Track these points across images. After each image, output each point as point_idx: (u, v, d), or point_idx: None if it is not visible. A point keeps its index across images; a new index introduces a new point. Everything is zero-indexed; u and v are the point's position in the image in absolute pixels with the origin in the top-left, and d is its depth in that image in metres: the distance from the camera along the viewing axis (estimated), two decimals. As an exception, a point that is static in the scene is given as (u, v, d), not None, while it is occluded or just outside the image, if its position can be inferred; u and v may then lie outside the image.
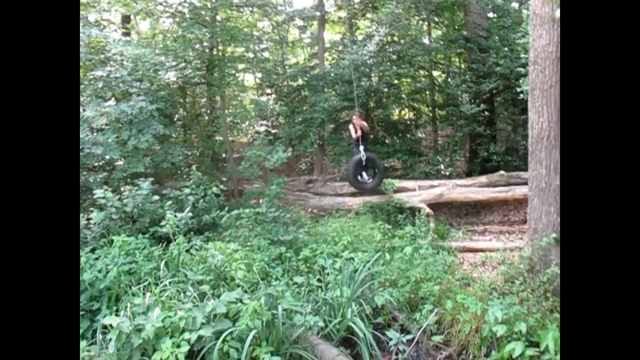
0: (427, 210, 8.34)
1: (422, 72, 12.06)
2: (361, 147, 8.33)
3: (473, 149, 10.96)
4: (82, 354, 3.29)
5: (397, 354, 4.82)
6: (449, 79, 12.42)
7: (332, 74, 11.46)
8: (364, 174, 8.64)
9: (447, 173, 10.29)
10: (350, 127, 8.59)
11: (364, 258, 6.01)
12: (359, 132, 8.39)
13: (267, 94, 15.22)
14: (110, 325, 3.72)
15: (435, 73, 12.65)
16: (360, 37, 11.99)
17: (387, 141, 11.73)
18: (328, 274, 5.69)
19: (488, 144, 10.26)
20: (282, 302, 4.44)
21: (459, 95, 11.31)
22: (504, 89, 10.76)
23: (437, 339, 4.98)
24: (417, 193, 8.91)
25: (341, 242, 6.56)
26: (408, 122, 12.86)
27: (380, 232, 7.25)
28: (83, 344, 3.50)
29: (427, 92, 12.19)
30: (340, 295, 5.00)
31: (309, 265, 6.07)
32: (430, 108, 12.27)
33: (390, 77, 11.40)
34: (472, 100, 10.60)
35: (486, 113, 10.44)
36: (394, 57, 11.25)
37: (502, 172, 8.95)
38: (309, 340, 4.47)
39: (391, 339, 4.87)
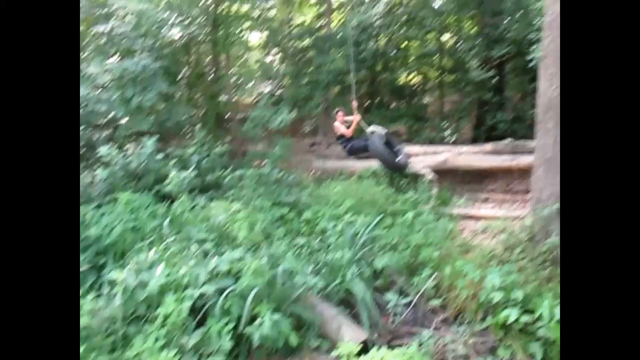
0: (431, 176, 8.33)
1: (431, 35, 11.77)
2: (371, 128, 6.93)
3: (480, 116, 10.84)
4: (89, 307, 3.38)
5: (394, 315, 4.94)
6: (459, 44, 12.13)
7: (340, 35, 11.20)
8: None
9: (453, 139, 10.22)
10: (337, 125, 6.94)
11: (365, 221, 6.05)
12: (354, 123, 6.86)
13: (273, 55, 14.94)
14: (116, 280, 3.81)
15: (444, 37, 12.34)
16: (369, -2, 11.65)
17: (392, 106, 11.62)
18: (329, 236, 5.75)
19: (495, 111, 10.14)
20: (283, 262, 4.51)
21: (468, 61, 11.08)
22: (515, 55, 10.52)
23: (435, 303, 5.08)
24: (421, 159, 8.87)
25: (343, 205, 6.59)
26: (414, 87, 12.66)
27: (382, 197, 7.27)
28: (90, 296, 3.59)
29: (436, 57, 11.94)
30: (340, 258, 5.07)
31: (310, 227, 6.13)
32: (438, 73, 12.05)
33: (398, 39, 11.15)
34: (482, 66, 10.38)
35: (495, 80, 10.26)
36: (403, 18, 10.96)
37: (508, 140, 8.87)
38: (309, 300, 4.58)
39: (389, 301, 4.97)
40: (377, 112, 11.08)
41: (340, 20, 12.88)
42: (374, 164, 8.95)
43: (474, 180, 9.66)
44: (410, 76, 13.08)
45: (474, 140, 10.49)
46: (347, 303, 4.93)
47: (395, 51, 11.37)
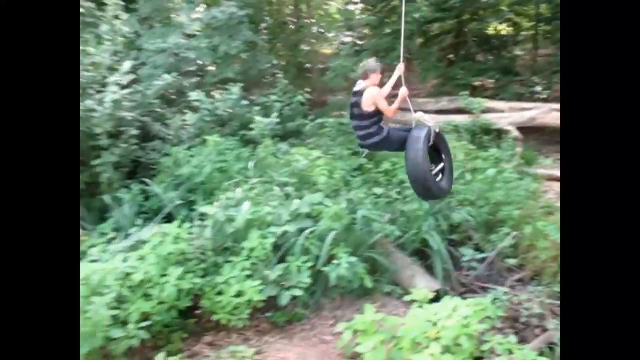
0: (516, 133, 7.91)
1: (529, -22, 10.77)
2: (418, 114, 4.19)
3: (577, 70, 9.93)
4: (185, 235, 3.73)
5: (468, 270, 4.92)
6: (561, -11, 11.01)
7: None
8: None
9: (544, 96, 9.52)
10: (374, 95, 3.83)
11: (443, 176, 5.95)
12: (400, 99, 4.03)
13: (354, 3, 14.52)
14: (206, 214, 4.13)
15: (545, -20, 11.25)
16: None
17: (478, 58, 10.97)
18: (407, 188, 5.75)
19: (596, 65, 9.23)
20: (361, 208, 4.62)
21: (569, 8, 10.06)
22: (627, 1, 9.39)
23: (512, 261, 4.98)
24: (506, 115, 8.41)
25: (422, 159, 6.49)
26: (504, 38, 11.80)
27: (462, 152, 7.06)
28: (186, 225, 3.93)
29: (532, 4, 10.96)
30: (417, 209, 5.07)
31: (388, 177, 6.14)
32: (532, 23, 11.09)
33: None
34: (585, 15, 9.39)
35: (600, 29, 9.27)
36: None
37: (608, 97, 8.12)
38: (384, 247, 4.69)
39: (464, 256, 4.94)
40: (462, 64, 10.54)
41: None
42: (453, 117, 8.63)
43: (565, 140, 9.04)
44: (501, 26, 12.17)
45: (568, 97, 9.70)
46: (421, 253, 4.98)
47: (486, -2, 10.60)
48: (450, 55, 11.40)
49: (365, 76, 3.94)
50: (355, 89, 4.01)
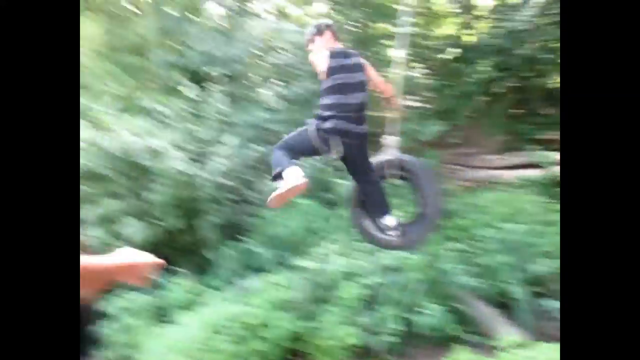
0: (591, 185, 7.89)
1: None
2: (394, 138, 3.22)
3: (651, 119, 9.76)
4: (288, 284, 4.23)
5: (552, 321, 4.96)
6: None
7: (486, 44, 11.14)
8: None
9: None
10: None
11: (518, 229, 6.09)
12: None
13: (416, 68, 15.30)
14: (301, 266, 4.64)
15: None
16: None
17: (543, 112, 11.09)
18: (482, 242, 5.95)
19: (671, 113, 9.07)
20: (441, 262, 4.92)
21: None
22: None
23: (598, 313, 4.95)
24: (579, 167, 8.44)
25: (495, 213, 6.69)
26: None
27: (536, 206, 7.16)
28: (288, 275, 4.45)
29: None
30: (495, 262, 5.27)
31: (463, 233, 6.36)
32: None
33: (550, 41, 10.66)
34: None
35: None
36: (557, 19, 10.47)
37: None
38: (466, 298, 4.90)
39: (546, 307, 4.99)
40: (527, 119, 10.72)
41: (486, 28, 12.74)
42: (524, 172, 8.77)
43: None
44: (565, 80, 12.33)
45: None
46: (502, 305, 5.11)
47: (546, 55, 10.86)
48: (515, 111, 11.62)
49: (335, 37, 2.84)
50: (338, 49, 2.78)
